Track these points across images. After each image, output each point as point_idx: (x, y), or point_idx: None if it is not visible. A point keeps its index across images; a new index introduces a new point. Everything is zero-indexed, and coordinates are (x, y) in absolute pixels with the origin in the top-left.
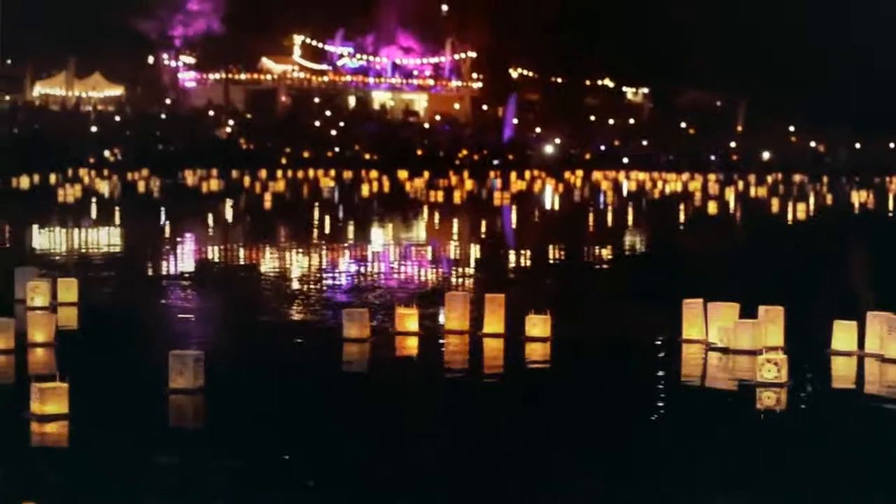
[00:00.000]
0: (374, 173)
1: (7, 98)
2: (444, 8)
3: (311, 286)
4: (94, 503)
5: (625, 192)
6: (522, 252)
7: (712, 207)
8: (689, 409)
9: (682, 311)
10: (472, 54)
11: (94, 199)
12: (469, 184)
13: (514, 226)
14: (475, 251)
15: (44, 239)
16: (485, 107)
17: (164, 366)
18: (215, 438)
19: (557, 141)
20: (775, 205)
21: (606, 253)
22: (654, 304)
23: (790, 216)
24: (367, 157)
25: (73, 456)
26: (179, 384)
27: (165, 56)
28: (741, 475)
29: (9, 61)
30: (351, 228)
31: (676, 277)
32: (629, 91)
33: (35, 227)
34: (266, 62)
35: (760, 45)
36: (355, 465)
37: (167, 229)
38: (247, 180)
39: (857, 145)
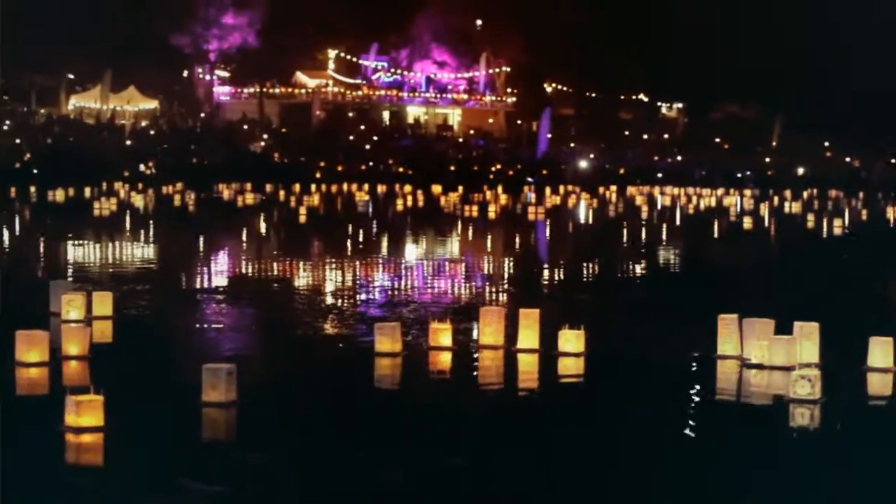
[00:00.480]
0: (408, 188)
1: (42, 111)
2: (479, 23)
3: (345, 300)
4: None
5: (659, 207)
6: (557, 267)
7: (747, 223)
8: (723, 425)
9: (718, 326)
10: (507, 69)
11: (128, 213)
12: (503, 198)
13: (548, 240)
14: (509, 266)
15: (79, 252)
16: (519, 121)
17: (197, 379)
18: (247, 452)
19: (592, 156)
20: (810, 220)
21: (641, 268)
22: (689, 319)
23: (825, 231)
24: (401, 170)
25: (109, 468)
26: (212, 397)
27: (200, 70)
28: (774, 492)
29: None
30: (385, 243)
31: (711, 293)
32: (664, 106)
33: (70, 240)
34: (300, 76)
35: (795, 60)
36: (387, 481)
37: (201, 243)
38: (282, 194)
39: (893, 160)
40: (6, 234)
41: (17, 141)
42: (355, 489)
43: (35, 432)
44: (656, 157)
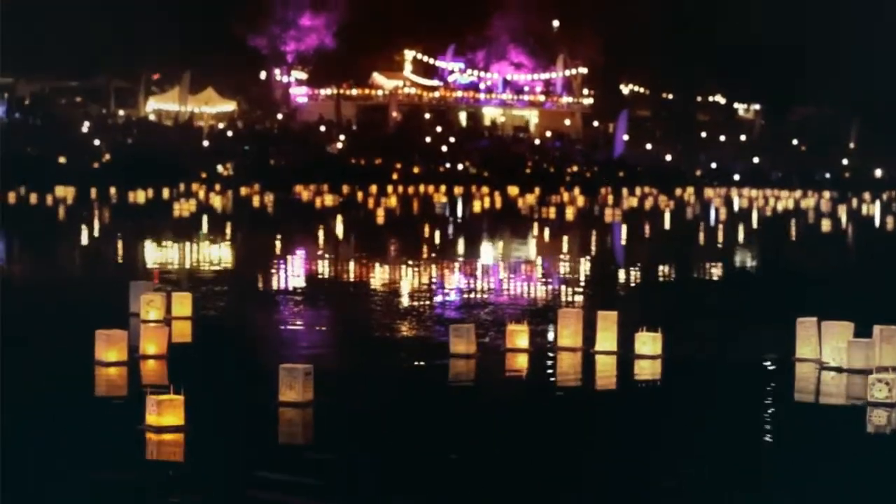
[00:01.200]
0: (485, 189)
1: (121, 112)
2: (556, 24)
3: (422, 302)
4: None
5: (736, 209)
6: (634, 269)
7: (825, 225)
8: (800, 427)
9: (796, 329)
10: (584, 70)
11: (207, 215)
12: (580, 200)
13: (625, 242)
14: (587, 268)
15: (158, 253)
16: (596, 123)
17: (274, 379)
18: (324, 452)
19: (668, 157)
20: (889, 223)
21: (718, 270)
22: (767, 322)
23: None
24: (474, 171)
25: (190, 466)
26: (289, 397)
27: (277, 71)
28: (851, 495)
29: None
30: (462, 244)
31: (790, 295)
32: (741, 107)
33: (150, 241)
34: (377, 78)
35: (873, 61)
36: (465, 481)
37: (279, 244)
38: (359, 195)
39: None
40: (86, 234)
41: (97, 142)
42: (430, 487)
43: (115, 430)
44: (742, 160)
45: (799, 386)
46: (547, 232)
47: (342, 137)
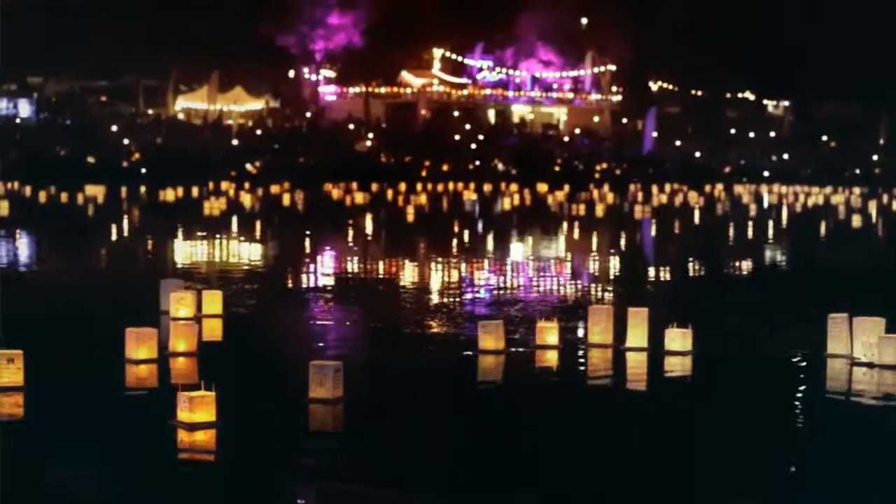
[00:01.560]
0: (514, 186)
1: (150, 112)
2: (584, 21)
3: (452, 299)
4: None
5: (766, 206)
6: (664, 265)
7: (856, 221)
8: (831, 423)
9: (827, 325)
10: (612, 67)
11: (237, 213)
12: (609, 197)
13: (654, 239)
14: (616, 264)
15: (188, 251)
16: (624, 120)
17: (304, 376)
18: (354, 448)
19: (697, 154)
20: None
21: (748, 266)
22: (798, 318)
23: None
24: (503, 169)
25: (222, 462)
26: (319, 394)
27: (306, 70)
28: (885, 491)
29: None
30: (491, 241)
31: (820, 292)
32: (770, 104)
33: (180, 239)
34: (406, 76)
35: None
36: (494, 474)
37: (309, 242)
38: (389, 193)
39: None
40: (115, 233)
41: (126, 142)
42: (459, 483)
43: (146, 427)
44: (771, 157)
45: (830, 382)
46: (576, 229)
47: (371, 135)
